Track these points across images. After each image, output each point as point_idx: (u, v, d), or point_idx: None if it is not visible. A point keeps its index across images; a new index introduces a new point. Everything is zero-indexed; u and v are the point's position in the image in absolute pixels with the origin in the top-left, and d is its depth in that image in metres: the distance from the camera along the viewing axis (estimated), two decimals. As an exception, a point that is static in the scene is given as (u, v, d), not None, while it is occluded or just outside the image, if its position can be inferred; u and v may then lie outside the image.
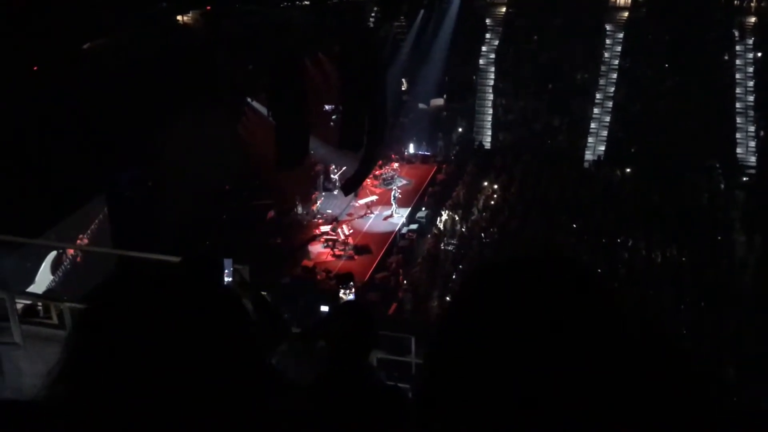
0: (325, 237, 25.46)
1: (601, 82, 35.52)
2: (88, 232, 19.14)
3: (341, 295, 20.54)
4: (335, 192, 28.24)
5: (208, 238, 23.31)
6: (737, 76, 34.40)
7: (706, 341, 20.32)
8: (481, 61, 36.77)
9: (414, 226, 27.09)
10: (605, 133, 34.22)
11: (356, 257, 24.91)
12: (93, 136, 15.13)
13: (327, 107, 28.52)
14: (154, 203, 20.25)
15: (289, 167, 23.14)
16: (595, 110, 34.92)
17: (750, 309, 22.54)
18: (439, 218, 27.94)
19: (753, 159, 32.30)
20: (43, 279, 17.31)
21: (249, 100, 25.34)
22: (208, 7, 20.69)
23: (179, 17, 20.29)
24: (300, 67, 20.66)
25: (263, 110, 24.57)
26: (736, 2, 35.76)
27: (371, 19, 30.48)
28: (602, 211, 27.82)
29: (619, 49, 36.08)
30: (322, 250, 25.11)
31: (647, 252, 25.58)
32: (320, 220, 26.81)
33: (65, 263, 18.17)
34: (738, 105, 33.72)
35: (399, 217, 27.45)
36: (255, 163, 25.90)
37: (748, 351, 19.94)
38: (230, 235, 23.43)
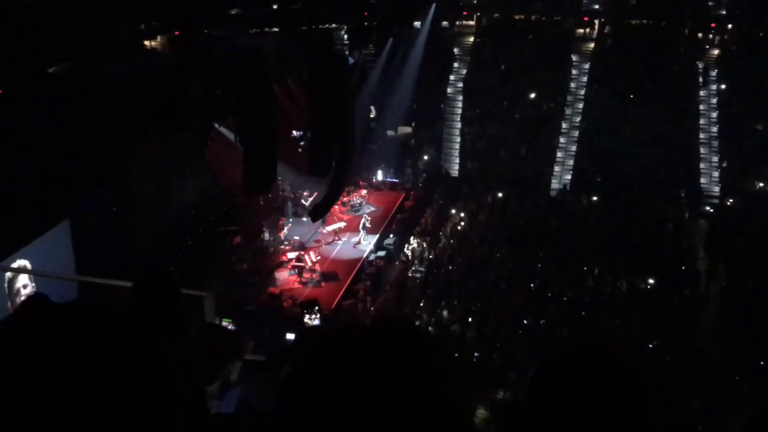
0: (292, 264, 25.30)
1: (567, 111, 35.96)
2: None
3: (306, 321, 20.39)
4: (303, 218, 28.12)
5: (172, 264, 23.05)
6: (701, 107, 35.05)
7: (673, 370, 20.46)
8: (448, 90, 37.09)
9: (382, 253, 27.03)
10: (571, 162, 34.56)
11: (323, 284, 24.76)
12: (57, 159, 14.92)
13: (295, 133, 28.48)
14: (118, 228, 20.00)
15: (256, 193, 22.99)
16: (561, 139, 35.29)
17: (715, 336, 22.80)
18: (407, 245, 27.95)
19: (716, 189, 32.79)
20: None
21: (216, 125, 25.23)
22: (176, 32, 20.61)
23: (147, 42, 20.18)
24: (268, 92, 20.59)
25: (231, 136, 24.45)
26: (700, 35, 36.55)
27: (340, 46, 30.62)
28: (569, 240, 28.00)
29: (585, 79, 36.63)
30: (288, 276, 24.94)
31: (613, 280, 25.76)
32: (287, 247, 26.64)
33: (26, 288, 17.82)
34: (702, 135, 34.31)
35: (367, 243, 27.39)
36: (222, 188, 25.73)
37: (715, 379, 20.11)
38: (196, 261, 23.20)
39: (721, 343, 22.34)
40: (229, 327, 19.23)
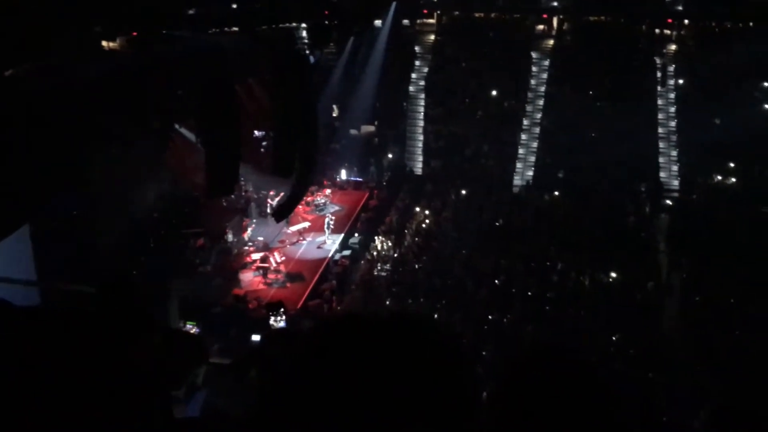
0: (256, 265, 25.15)
1: (528, 108, 36.23)
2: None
3: (272, 323, 20.30)
4: (267, 219, 27.96)
5: (136, 267, 22.77)
6: (659, 102, 35.52)
7: (636, 362, 20.72)
8: (411, 88, 37.16)
9: (347, 252, 26.99)
10: (533, 158, 34.83)
11: (289, 285, 24.64)
12: (16, 163, 14.65)
13: (257, 133, 28.27)
14: (80, 232, 19.71)
15: (219, 195, 22.80)
16: (523, 136, 35.55)
17: (678, 328, 23.14)
18: (372, 244, 27.95)
19: (675, 183, 33.26)
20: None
21: (177, 126, 24.94)
22: (135, 33, 20.36)
23: (105, 43, 19.91)
24: (229, 92, 20.40)
25: (192, 137, 24.23)
26: (657, 30, 37.05)
27: (301, 45, 30.49)
28: (532, 235, 28.23)
29: (545, 76, 36.92)
30: (253, 278, 24.78)
31: (576, 275, 26.01)
32: (252, 248, 26.47)
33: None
34: (661, 130, 34.78)
35: (332, 243, 27.33)
36: (184, 190, 25.48)
37: (677, 371, 20.41)
38: (159, 264, 22.95)
39: (684, 334, 22.69)
40: (194, 330, 19.11)
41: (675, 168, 33.79)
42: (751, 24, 36.12)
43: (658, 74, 36.21)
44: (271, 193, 28.75)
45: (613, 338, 22.16)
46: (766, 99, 33.97)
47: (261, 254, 25.59)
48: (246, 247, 26.60)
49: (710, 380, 19.12)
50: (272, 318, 20.59)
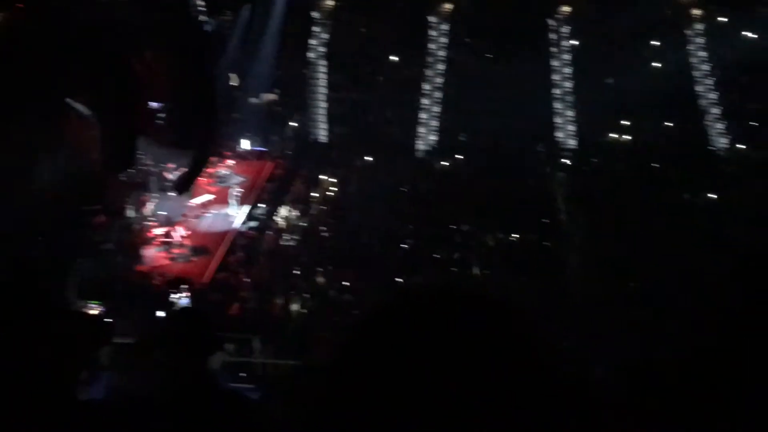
0: (159, 240, 24.63)
1: (429, 73, 36.38)
2: None
3: (173, 300, 19.99)
4: (169, 193, 27.34)
5: (33, 248, 21.96)
6: (554, 63, 36.24)
7: (541, 318, 21.28)
8: (311, 55, 36.74)
9: (253, 224, 26.72)
10: (436, 123, 35.07)
11: (194, 259, 24.26)
12: None
13: (154, 105, 27.54)
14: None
15: (117, 169, 22.14)
16: (425, 101, 35.72)
17: (580, 284, 23.91)
18: (278, 214, 27.73)
19: (572, 142, 34.12)
20: None
21: (71, 101, 24.04)
22: (20, 4, 19.39)
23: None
24: (123, 64, 19.76)
25: (86, 111, 23.39)
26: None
27: (196, 13, 29.69)
28: (437, 199, 28.56)
29: (444, 40, 37.09)
30: (157, 253, 24.28)
31: (481, 236, 26.50)
32: (153, 223, 25.87)
33: None
34: (557, 91, 35.53)
35: (236, 215, 26.97)
36: (81, 166, 24.63)
37: (582, 324, 21.12)
38: (57, 243, 22.19)
39: (587, 291, 23.48)
40: (97, 310, 18.63)
41: (571, 128, 34.62)
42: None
43: (553, 36, 36.91)
44: (170, 166, 28.05)
45: (519, 297, 22.74)
46: (655, 58, 35.13)
47: (164, 229, 25.08)
48: (148, 223, 25.98)
49: (612, 333, 19.88)
50: (174, 295, 20.26)
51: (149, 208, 26.74)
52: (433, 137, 34.79)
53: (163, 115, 28.01)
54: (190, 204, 27.18)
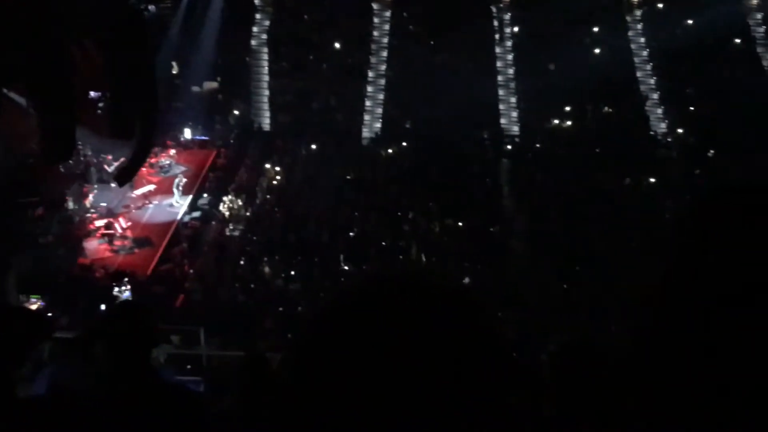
0: (101, 232, 24.20)
1: (373, 60, 36.34)
2: None
3: (116, 293, 19.70)
4: (109, 184, 26.84)
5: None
6: (497, 50, 36.53)
7: (487, 302, 21.52)
8: (253, 42, 36.36)
9: (197, 214, 26.41)
10: (380, 110, 35.07)
11: (137, 251, 23.90)
12: None
13: (93, 94, 26.94)
14: None
15: (56, 161, 21.58)
16: (369, 89, 35.68)
17: (523, 269, 24.23)
18: (222, 204, 27.45)
19: (515, 128, 34.46)
20: None
21: (6, 91, 23.40)
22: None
23: None
24: (60, 52, 19.35)
25: (22, 101, 22.82)
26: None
27: (136, 0, 29.13)
28: (383, 186, 28.60)
29: (387, 27, 37.07)
30: (99, 245, 23.85)
31: (427, 222, 26.64)
32: (95, 215, 25.39)
33: None
34: (500, 78, 35.82)
35: (180, 205, 26.63)
36: (19, 158, 24.02)
37: (525, 309, 21.42)
38: (-5, 237, 21.67)
39: (530, 274, 23.81)
40: (39, 304, 18.26)
41: (514, 114, 34.96)
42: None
43: (495, 23, 37.19)
44: (109, 158, 27.48)
45: (464, 281, 22.95)
46: (595, 44, 35.68)
47: (105, 221, 24.63)
48: (88, 215, 25.48)
49: (556, 317, 20.22)
50: (116, 289, 19.96)
51: (90, 199, 26.22)
52: (377, 125, 34.79)
53: (102, 104, 27.47)
54: (132, 195, 26.73)
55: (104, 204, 26.03)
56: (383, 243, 25.14)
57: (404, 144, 32.53)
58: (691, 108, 33.08)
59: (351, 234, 25.63)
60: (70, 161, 25.23)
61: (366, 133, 34.47)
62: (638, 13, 37.56)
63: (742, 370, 0.89)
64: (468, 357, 1.00)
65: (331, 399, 0.96)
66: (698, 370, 0.92)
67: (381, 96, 35.53)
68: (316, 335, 1.04)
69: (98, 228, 24.42)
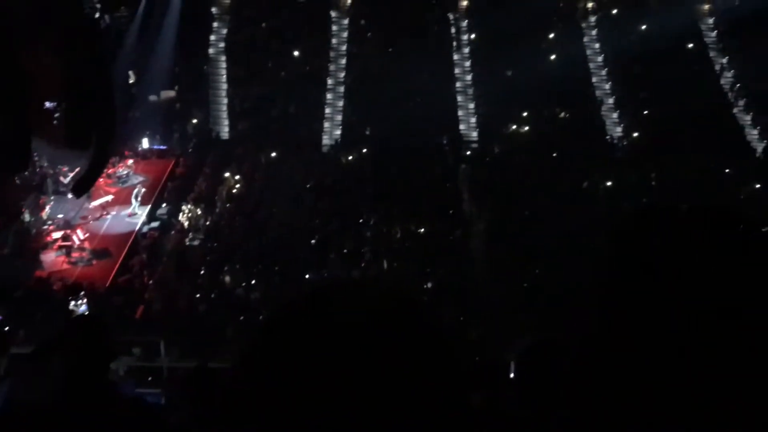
0: (58, 244, 23.85)
1: (332, 68, 36.35)
2: None
3: (72, 307, 19.42)
4: (66, 195, 26.46)
5: None
6: (455, 57, 36.79)
7: (449, 305, 21.67)
8: (210, 51, 36.16)
9: (155, 224, 26.17)
10: (340, 117, 35.07)
11: (95, 262, 23.61)
12: None
13: (48, 104, 26.57)
14: None
15: (10, 172, 21.33)
16: (328, 95, 35.68)
17: (485, 272, 24.40)
18: (181, 213, 27.22)
19: (474, 134, 34.69)
20: None
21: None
22: None
23: None
24: (14, 61, 19.06)
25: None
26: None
27: (91, 9, 28.80)
28: (344, 192, 28.59)
29: (345, 35, 37.13)
30: (56, 258, 23.50)
31: (388, 228, 26.68)
32: (51, 227, 25.01)
33: None
34: (458, 84, 36.07)
35: (139, 216, 26.35)
36: (-31, 170, 23.57)
37: (488, 311, 21.58)
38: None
39: (492, 277, 23.99)
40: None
41: (473, 120, 35.19)
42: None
43: (453, 29, 37.48)
44: (64, 169, 27.06)
45: (427, 286, 23.06)
46: (552, 50, 36.10)
47: (62, 232, 24.28)
48: (45, 227, 25.10)
49: (519, 317, 20.37)
50: (72, 303, 19.69)
51: (46, 211, 25.82)
52: (337, 131, 34.78)
53: (58, 114, 27.07)
54: (89, 206, 26.40)
55: (61, 215, 25.66)
56: (345, 249, 25.13)
57: (364, 150, 32.55)
58: (645, 112, 33.58)
59: (312, 241, 25.58)
60: (26, 172, 24.88)
61: (326, 139, 34.44)
62: (593, 19, 38.15)
63: (665, 368, 0.97)
64: (410, 361, 1.00)
65: (280, 407, 0.97)
66: (632, 374, 0.98)
67: (340, 103, 35.54)
68: (263, 345, 1.05)
69: (55, 240, 24.08)
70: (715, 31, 37.63)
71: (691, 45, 36.91)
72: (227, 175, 30.13)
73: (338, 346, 0.99)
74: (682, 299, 0.98)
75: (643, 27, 36.22)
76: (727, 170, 29.93)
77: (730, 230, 1.02)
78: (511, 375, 3.59)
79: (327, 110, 35.34)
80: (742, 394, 0.95)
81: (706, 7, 38.38)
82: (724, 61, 36.28)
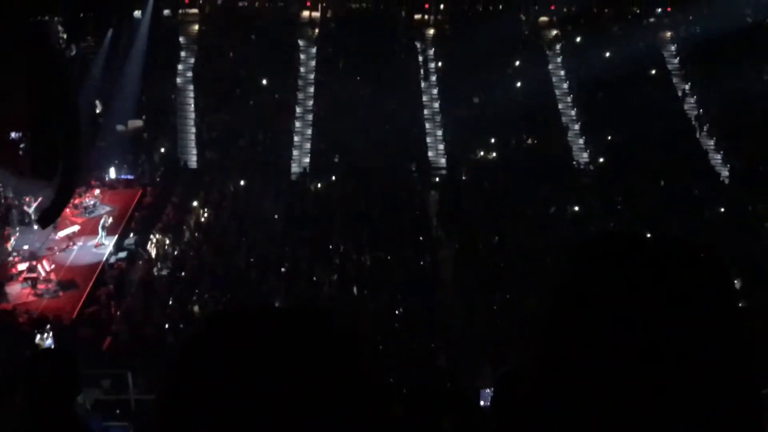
0: (23, 276, 23.51)
1: (300, 96, 36.47)
2: None
3: (38, 341, 19.10)
4: (31, 226, 26.12)
5: None
6: (422, 84, 37.12)
7: (420, 333, 21.68)
8: (178, 80, 36.13)
9: (123, 254, 25.88)
10: (308, 145, 35.11)
11: (62, 293, 23.28)
12: None
13: (14, 135, 26.31)
14: None
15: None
16: (297, 124, 35.75)
17: (454, 298, 24.49)
18: (149, 243, 26.99)
19: (443, 161, 34.91)
20: None
21: None
22: None
23: None
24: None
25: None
26: (417, 16, 38.73)
27: (57, 39, 28.65)
28: (313, 221, 28.57)
29: (313, 63, 37.34)
30: (21, 290, 23.15)
31: (357, 256, 26.68)
32: (16, 258, 24.64)
33: None
34: (426, 112, 36.35)
35: (106, 246, 26.07)
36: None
37: (456, 337, 21.63)
38: None
39: (460, 302, 24.07)
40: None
41: (441, 147, 35.44)
42: (500, 7, 38.98)
43: (420, 58, 37.87)
44: (27, 200, 26.67)
45: (397, 312, 23.06)
46: (517, 76, 36.55)
47: (28, 264, 23.94)
48: (10, 258, 24.72)
49: (487, 343, 20.45)
50: (38, 336, 19.36)
51: (11, 242, 25.45)
52: (306, 159, 34.80)
53: (23, 144, 26.81)
54: (55, 237, 26.08)
55: (26, 247, 25.29)
56: (314, 278, 25.07)
57: (333, 178, 32.58)
58: (610, 137, 34.03)
59: (282, 269, 25.49)
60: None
61: (295, 167, 34.43)
62: (558, 46, 38.75)
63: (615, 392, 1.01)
64: (329, 389, 0.99)
65: None
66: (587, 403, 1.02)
67: (309, 131, 35.62)
68: (177, 380, 1.03)
69: (20, 272, 23.72)
70: (678, 58, 38.39)
71: (654, 71, 37.59)
72: (195, 204, 29.99)
73: (259, 377, 0.98)
74: (616, 334, 1.01)
75: (607, 54, 36.83)
76: (691, 194, 30.36)
77: (671, 264, 1.04)
78: (481, 402, 3.62)
79: (296, 138, 35.40)
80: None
81: (668, 34, 39.21)
82: (687, 87, 36.96)
